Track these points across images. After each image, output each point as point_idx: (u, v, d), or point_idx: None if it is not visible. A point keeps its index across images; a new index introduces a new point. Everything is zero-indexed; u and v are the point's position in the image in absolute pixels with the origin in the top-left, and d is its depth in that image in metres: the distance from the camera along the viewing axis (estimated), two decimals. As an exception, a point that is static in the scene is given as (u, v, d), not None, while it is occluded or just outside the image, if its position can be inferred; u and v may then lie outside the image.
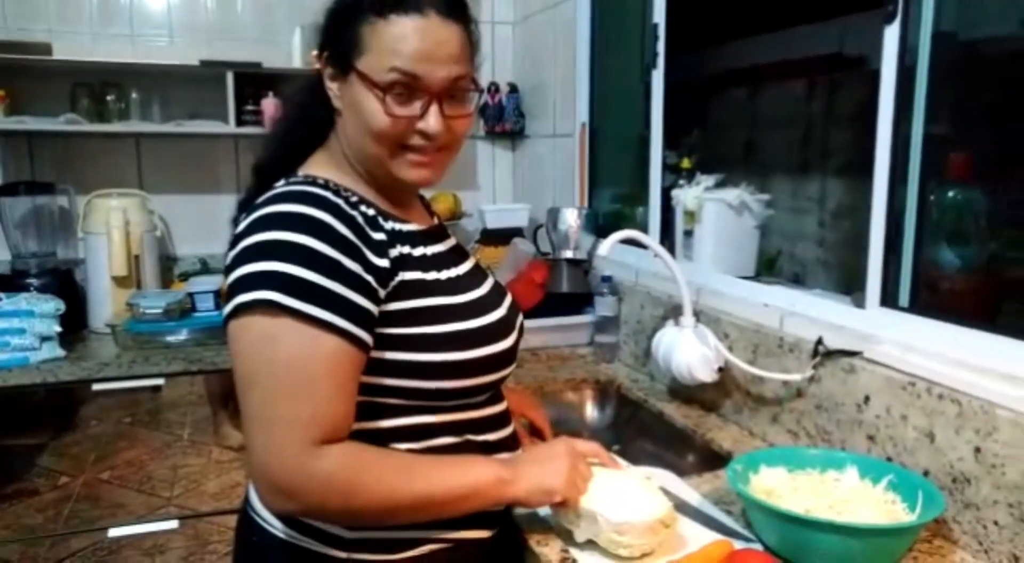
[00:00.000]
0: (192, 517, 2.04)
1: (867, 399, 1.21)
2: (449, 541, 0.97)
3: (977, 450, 1.03)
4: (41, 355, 1.92)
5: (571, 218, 2.13)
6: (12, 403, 1.95)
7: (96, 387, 1.95)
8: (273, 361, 0.83)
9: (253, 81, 2.42)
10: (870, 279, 1.32)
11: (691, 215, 1.80)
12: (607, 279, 1.98)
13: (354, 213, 0.90)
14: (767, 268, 1.86)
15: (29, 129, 2.32)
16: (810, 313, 1.42)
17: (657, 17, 1.97)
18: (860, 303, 1.35)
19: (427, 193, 1.14)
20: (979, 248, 1.33)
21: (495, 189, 2.93)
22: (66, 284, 2.21)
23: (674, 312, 1.66)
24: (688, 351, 1.52)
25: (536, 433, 1.33)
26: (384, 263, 0.90)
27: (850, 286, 1.46)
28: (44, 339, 1.94)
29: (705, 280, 1.71)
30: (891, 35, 1.27)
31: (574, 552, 1.02)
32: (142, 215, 2.28)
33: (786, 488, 1.07)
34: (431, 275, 0.96)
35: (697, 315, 1.59)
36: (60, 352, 1.95)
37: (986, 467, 1.02)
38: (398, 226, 0.97)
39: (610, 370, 1.93)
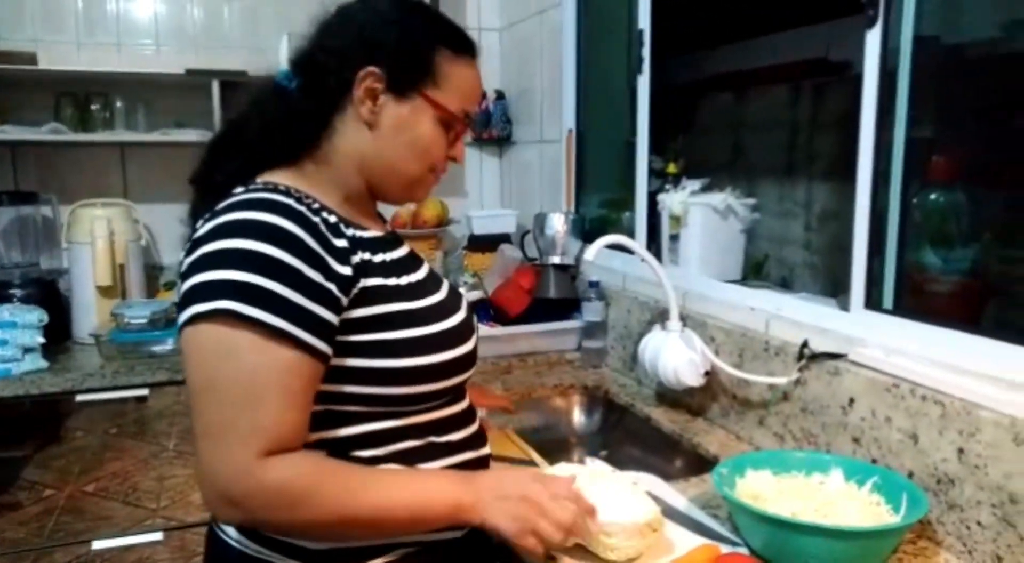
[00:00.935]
0: (178, 529, 2.02)
1: (852, 401, 1.22)
2: (419, 544, 0.96)
3: (960, 451, 1.03)
4: (24, 366, 1.91)
5: (558, 224, 2.13)
6: (-5, 415, 1.94)
7: (80, 398, 1.93)
8: (227, 371, 0.82)
9: (237, 89, 2.41)
10: (854, 282, 1.32)
11: (677, 220, 1.81)
12: (594, 284, 1.98)
13: (316, 220, 0.89)
14: (754, 272, 1.87)
15: (12, 139, 2.30)
16: (796, 316, 1.42)
17: (643, 23, 1.98)
18: (845, 306, 1.35)
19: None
20: (961, 250, 1.33)
21: (482, 195, 2.93)
22: (50, 294, 2.19)
23: (661, 317, 1.66)
24: (675, 355, 1.52)
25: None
26: (346, 270, 0.89)
27: (837, 289, 1.46)
28: (27, 350, 1.92)
29: (691, 284, 1.72)
30: (873, 39, 1.28)
31: (559, 555, 1.01)
32: (127, 224, 2.26)
33: (772, 491, 1.07)
34: (392, 281, 0.95)
35: (684, 319, 1.59)
36: (43, 363, 1.94)
37: (969, 468, 1.02)
38: (359, 233, 0.96)
39: (597, 375, 1.93)
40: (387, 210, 1.27)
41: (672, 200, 1.82)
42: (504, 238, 2.63)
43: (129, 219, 2.29)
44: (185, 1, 2.55)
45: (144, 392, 1.98)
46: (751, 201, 1.79)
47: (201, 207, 0.94)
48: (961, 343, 1.13)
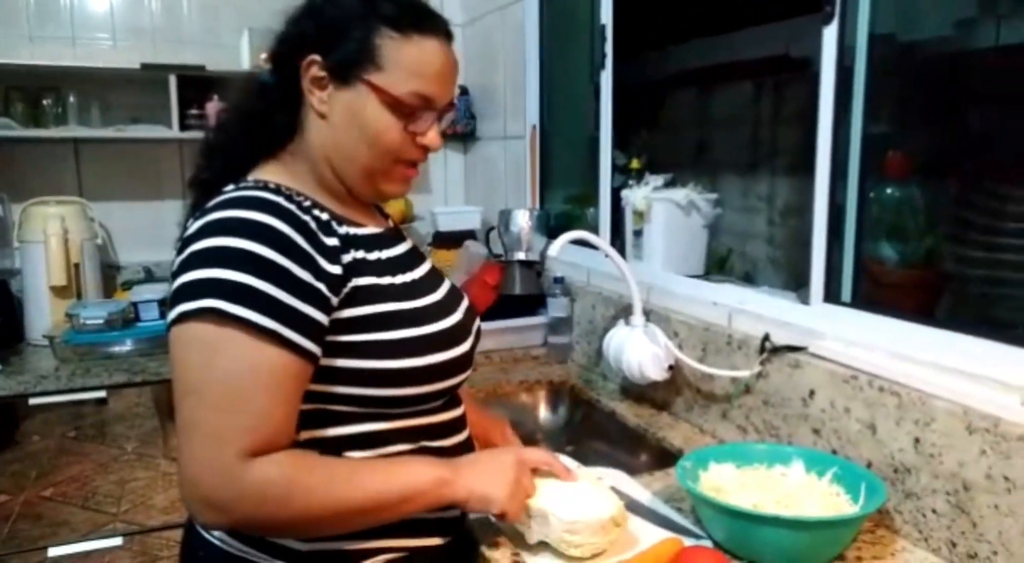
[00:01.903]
0: (139, 533, 1.99)
1: (812, 393, 1.23)
2: (404, 550, 0.96)
3: (916, 441, 1.05)
4: (-26, 369, 1.85)
5: (523, 220, 2.13)
6: (-55, 420, 1.88)
7: (33, 401, 1.88)
8: (213, 371, 0.80)
9: (197, 84, 2.36)
10: (814, 276, 1.34)
11: (640, 215, 1.82)
12: (559, 280, 1.98)
13: (307, 218, 0.88)
14: (718, 267, 1.88)
15: (-40, 135, 2.24)
16: (757, 310, 1.44)
17: (605, 18, 1.98)
18: (805, 299, 1.37)
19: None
20: (916, 243, 1.36)
21: (447, 192, 2.92)
22: (1, 295, 2.13)
23: (625, 312, 1.67)
24: (638, 350, 1.53)
25: None
26: (336, 270, 0.88)
27: (799, 283, 1.48)
28: (-23, 352, 1.87)
29: (655, 279, 1.73)
30: (829, 36, 1.30)
31: (525, 555, 1.01)
32: (82, 223, 2.21)
33: (734, 484, 1.08)
34: (386, 280, 0.94)
35: (647, 314, 1.60)
36: (-5, 366, 1.89)
37: (925, 457, 1.04)
38: (352, 230, 0.95)
39: (563, 371, 1.94)
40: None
41: (635, 196, 1.82)
42: (469, 234, 2.62)
43: (84, 217, 2.24)
44: (143, -6, 2.50)
45: (102, 394, 1.94)
46: (713, 196, 1.81)
47: (196, 207, 0.93)
48: (916, 335, 1.15)
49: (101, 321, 1.98)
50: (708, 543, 1.04)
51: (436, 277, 1.07)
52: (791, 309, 1.39)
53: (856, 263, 1.33)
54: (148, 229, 2.49)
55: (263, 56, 0.98)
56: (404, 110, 0.92)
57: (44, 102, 2.33)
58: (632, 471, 1.30)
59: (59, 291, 2.12)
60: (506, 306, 2.10)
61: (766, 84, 1.96)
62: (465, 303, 1.08)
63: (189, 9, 2.55)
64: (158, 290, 2.12)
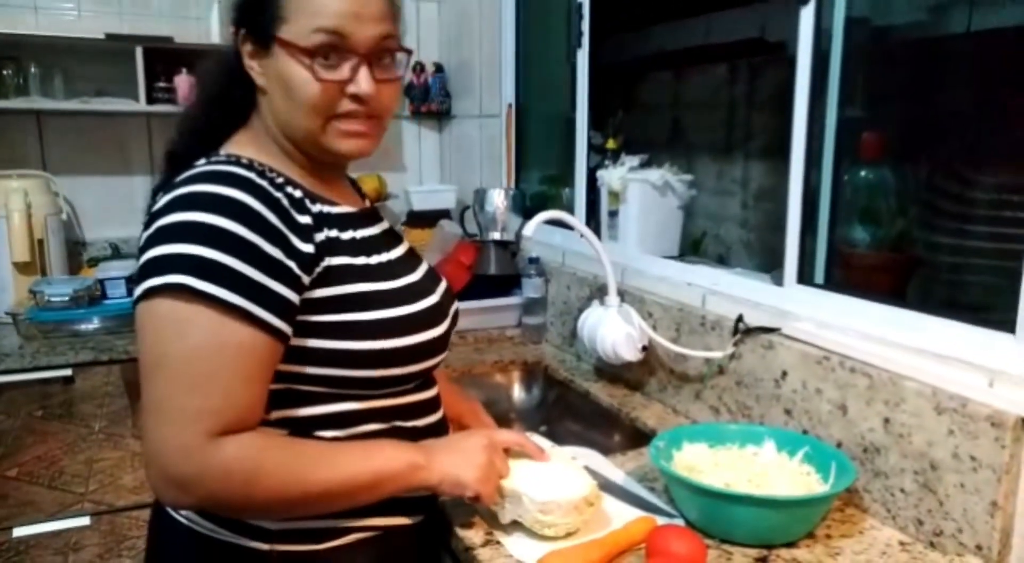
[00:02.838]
0: (107, 513, 1.96)
1: (784, 374, 1.25)
2: (375, 528, 0.95)
3: (886, 421, 1.07)
4: (-65, 347, 1.81)
5: (498, 199, 2.12)
6: (-96, 399, 1.84)
7: (-3, 380, 1.84)
8: (180, 348, 0.79)
9: (165, 57, 2.31)
10: (787, 258, 1.35)
11: (616, 196, 1.81)
12: (534, 260, 1.98)
13: (279, 195, 0.86)
14: (693, 249, 1.89)
15: (-84, 105, 2.16)
16: (731, 292, 1.45)
17: (581, -3, 1.97)
18: (779, 281, 1.38)
19: (352, 174, 1.11)
20: (889, 226, 1.37)
21: (421, 170, 2.89)
22: (-38, 271, 2.08)
23: (600, 292, 1.67)
24: (613, 330, 1.53)
25: None
26: (309, 248, 0.86)
27: (772, 265, 1.49)
28: (-63, 330, 1.82)
29: (629, 260, 1.73)
30: (806, 17, 1.30)
31: (498, 534, 1.01)
32: (45, 197, 2.16)
33: (707, 464, 1.09)
34: (360, 260, 0.93)
35: (622, 295, 1.60)
36: (-45, 343, 1.84)
37: (894, 437, 1.06)
38: (326, 208, 0.93)
39: (537, 351, 1.94)
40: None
41: (611, 176, 1.82)
42: (443, 214, 2.61)
43: (48, 192, 2.18)
44: (109, -36, 2.43)
45: (67, 373, 1.90)
46: (688, 177, 1.81)
47: (165, 181, 0.90)
48: (888, 316, 1.16)
49: (67, 298, 1.94)
50: (681, 522, 1.05)
51: (413, 258, 1.05)
52: (765, 291, 1.40)
53: (829, 245, 1.34)
54: (115, 205, 2.44)
55: (231, 29, 0.95)
56: (314, 57, 0.86)
57: (4, 72, 2.26)
58: (605, 451, 1.31)
59: (22, 267, 2.07)
60: (480, 286, 2.09)
61: (741, 67, 1.96)
62: (443, 285, 1.07)
63: (157, -21, 2.48)
64: (125, 267, 2.08)
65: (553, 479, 0.99)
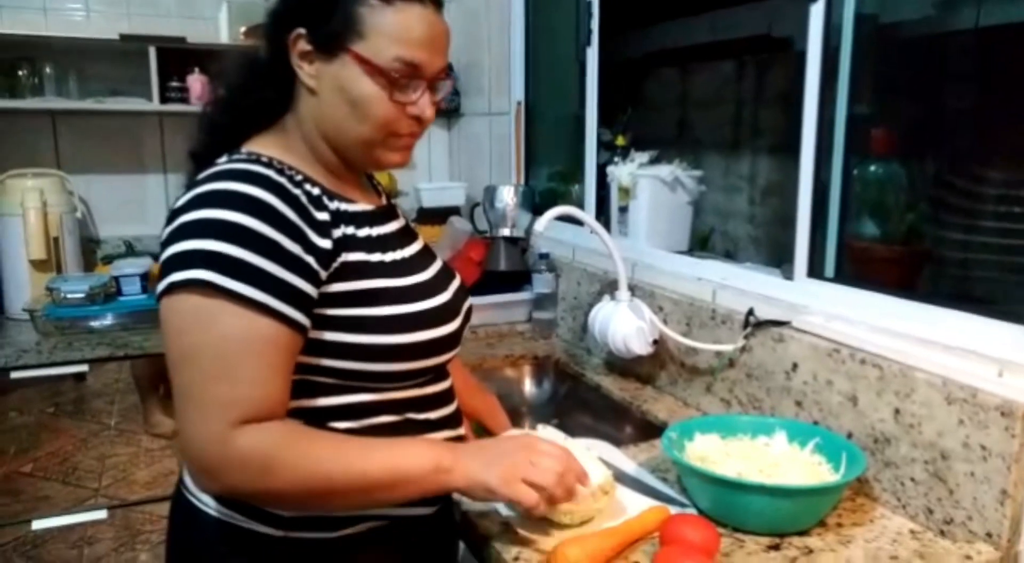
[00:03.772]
0: (122, 507, 1.98)
1: (795, 366, 1.26)
2: (389, 518, 0.97)
3: (896, 411, 1.08)
4: (-47, 343, 1.83)
5: (508, 196, 2.13)
6: (-77, 395, 1.86)
7: (15, 375, 1.86)
8: (203, 340, 0.81)
9: (177, 57, 2.33)
10: (798, 251, 1.36)
11: (626, 191, 1.83)
12: (544, 256, 1.99)
13: (297, 192, 0.88)
14: (701, 246, 1.90)
15: (-67, 105, 2.19)
16: (741, 285, 1.46)
17: (591, -5, 1.98)
18: (789, 275, 1.39)
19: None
20: (899, 219, 1.39)
21: (431, 168, 2.91)
22: (-21, 269, 2.11)
23: (610, 287, 1.69)
24: (624, 325, 1.55)
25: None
26: (326, 244, 0.88)
27: (780, 262, 1.50)
28: (-44, 326, 1.85)
29: (640, 255, 1.74)
30: (816, 14, 1.31)
31: (514, 522, 1.03)
32: (61, 196, 2.18)
33: (719, 454, 1.11)
34: (375, 257, 0.94)
35: (632, 290, 1.61)
36: (-26, 339, 1.86)
37: (904, 427, 1.07)
38: (344, 206, 0.95)
39: (548, 346, 1.95)
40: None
41: (621, 172, 1.83)
42: (453, 211, 2.62)
43: (63, 190, 2.21)
44: (117, -36, 2.45)
45: (83, 368, 1.92)
46: (697, 173, 1.82)
47: (190, 179, 0.92)
48: (898, 308, 1.17)
49: (82, 295, 1.96)
50: (693, 511, 1.06)
51: (427, 256, 1.07)
52: (775, 284, 1.41)
53: (839, 239, 1.35)
54: (128, 203, 2.46)
55: (243, 29, 0.97)
56: (389, 79, 0.90)
57: (20, 73, 2.28)
58: (617, 444, 1.32)
59: (39, 265, 2.10)
60: (491, 282, 2.10)
61: (748, 63, 1.97)
62: (456, 283, 1.08)
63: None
64: (140, 264, 2.11)
65: (569, 468, 1.00)
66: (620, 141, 2.02)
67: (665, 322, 1.56)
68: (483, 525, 1.03)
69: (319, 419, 0.91)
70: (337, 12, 0.90)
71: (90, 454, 2.02)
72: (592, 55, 1.99)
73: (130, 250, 2.42)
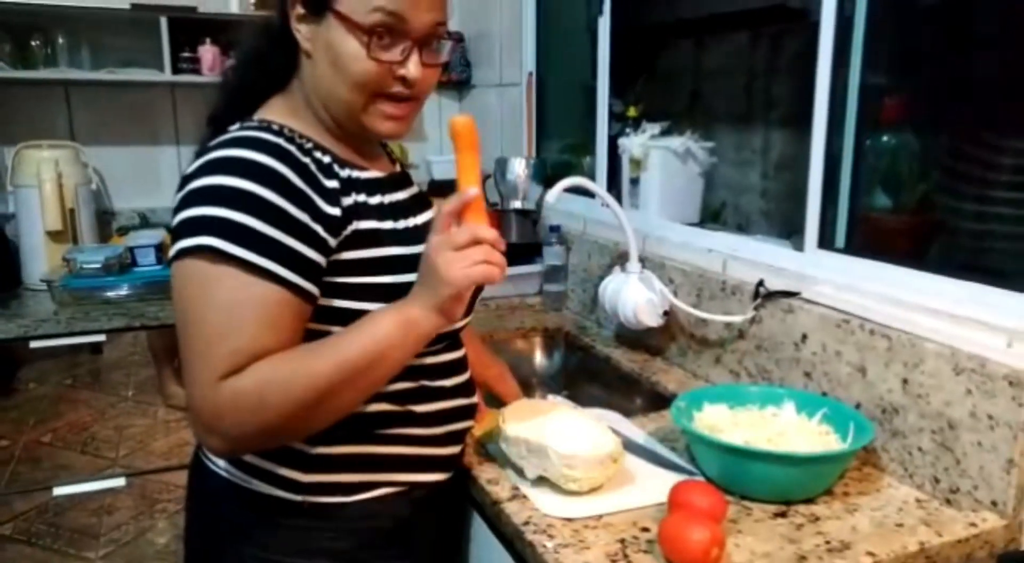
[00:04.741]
0: (140, 474, 2.02)
1: (804, 337, 1.26)
2: (404, 484, 0.99)
3: (905, 382, 1.09)
4: (-28, 313, 1.86)
5: (519, 168, 2.13)
6: (-56, 364, 1.90)
7: (34, 344, 1.89)
8: (209, 304, 0.82)
9: (188, 27, 2.33)
10: (808, 222, 1.36)
11: (637, 163, 1.82)
12: (555, 229, 1.99)
13: (307, 160, 0.88)
14: (713, 220, 1.90)
15: (-52, 76, 2.20)
16: (752, 257, 1.46)
17: (603, -37, 1.96)
18: (799, 246, 1.39)
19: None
20: (910, 190, 1.38)
21: (442, 139, 2.90)
22: (-3, 239, 2.13)
23: (621, 259, 1.69)
24: (634, 296, 1.55)
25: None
26: (335, 211, 0.89)
27: (791, 236, 1.50)
28: (-25, 296, 1.87)
29: (651, 227, 1.74)
30: (831, -20, 1.29)
31: (524, 488, 1.04)
32: (75, 167, 2.20)
33: (727, 424, 1.12)
34: (387, 224, 0.95)
35: (643, 261, 1.62)
36: (-7, 309, 1.89)
37: (912, 397, 1.08)
38: (355, 173, 0.95)
39: (558, 318, 1.96)
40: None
41: (632, 143, 1.82)
42: (464, 183, 2.62)
43: (77, 162, 2.22)
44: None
45: (100, 338, 1.95)
46: (709, 144, 1.81)
47: (203, 145, 0.92)
48: (907, 279, 1.17)
49: (99, 265, 1.98)
50: (701, 479, 1.07)
51: None
52: (785, 255, 1.41)
53: (851, 210, 1.35)
54: (142, 174, 2.48)
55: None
56: (371, 36, 0.87)
57: (33, 43, 2.29)
58: (627, 414, 1.33)
59: (55, 236, 2.12)
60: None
61: (762, 35, 1.94)
62: None
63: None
64: (154, 236, 2.13)
65: (579, 434, 1.02)
66: (632, 112, 2.00)
67: (675, 294, 1.56)
68: (493, 491, 1.05)
69: None
70: None
71: (108, 425, 2.06)
72: (604, 25, 1.97)
73: (144, 222, 2.44)
